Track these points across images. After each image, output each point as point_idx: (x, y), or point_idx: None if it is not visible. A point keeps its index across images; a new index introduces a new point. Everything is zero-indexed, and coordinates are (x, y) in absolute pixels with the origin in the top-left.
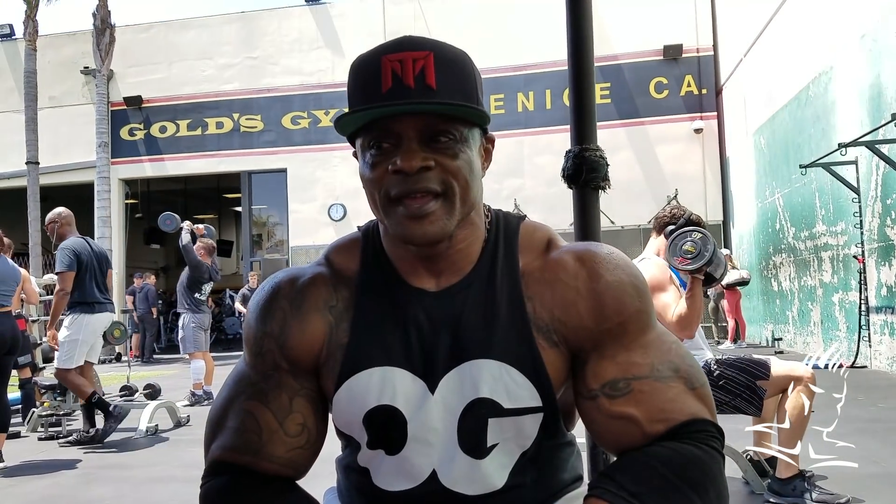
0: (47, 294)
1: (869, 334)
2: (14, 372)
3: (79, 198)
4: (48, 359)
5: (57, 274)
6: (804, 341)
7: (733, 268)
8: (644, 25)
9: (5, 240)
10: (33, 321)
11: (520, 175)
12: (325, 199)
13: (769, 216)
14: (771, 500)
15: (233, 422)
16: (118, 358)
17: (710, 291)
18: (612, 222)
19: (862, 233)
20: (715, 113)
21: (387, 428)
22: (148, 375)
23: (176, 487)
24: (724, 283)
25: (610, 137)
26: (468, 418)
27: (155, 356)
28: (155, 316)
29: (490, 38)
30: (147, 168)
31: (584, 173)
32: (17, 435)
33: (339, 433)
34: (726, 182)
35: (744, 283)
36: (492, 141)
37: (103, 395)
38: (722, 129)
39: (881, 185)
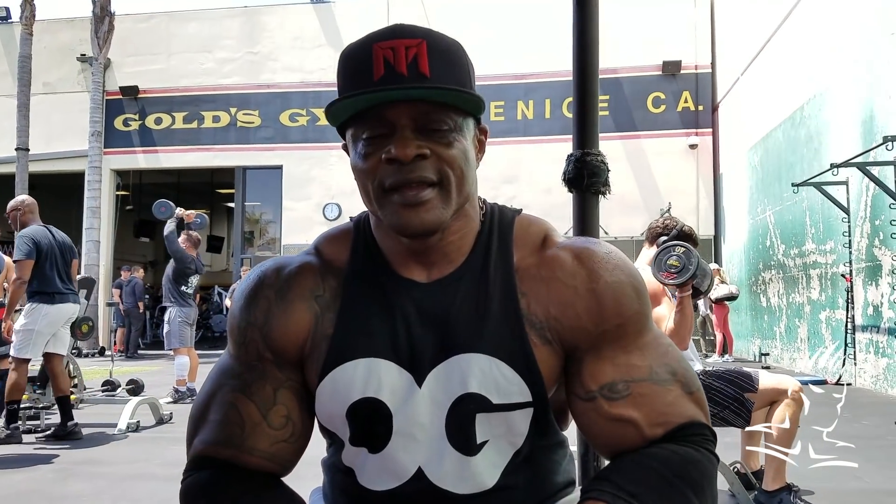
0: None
1: (854, 352)
2: None
3: (69, 187)
4: None
5: (15, 262)
6: (791, 357)
7: (722, 282)
8: (644, 41)
9: None
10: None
11: (517, 182)
12: (320, 198)
13: (760, 233)
14: None
15: (215, 415)
16: (101, 352)
17: (701, 305)
18: (606, 233)
19: (850, 252)
20: (710, 129)
21: (371, 422)
22: (131, 371)
23: (155, 485)
24: (712, 297)
25: (606, 150)
26: (456, 413)
27: (139, 351)
28: (141, 310)
29: (493, 45)
30: (140, 160)
31: (586, 178)
32: None
33: (323, 429)
34: (719, 198)
35: (732, 297)
36: (485, 132)
37: (71, 392)
38: (716, 146)
39: (870, 206)
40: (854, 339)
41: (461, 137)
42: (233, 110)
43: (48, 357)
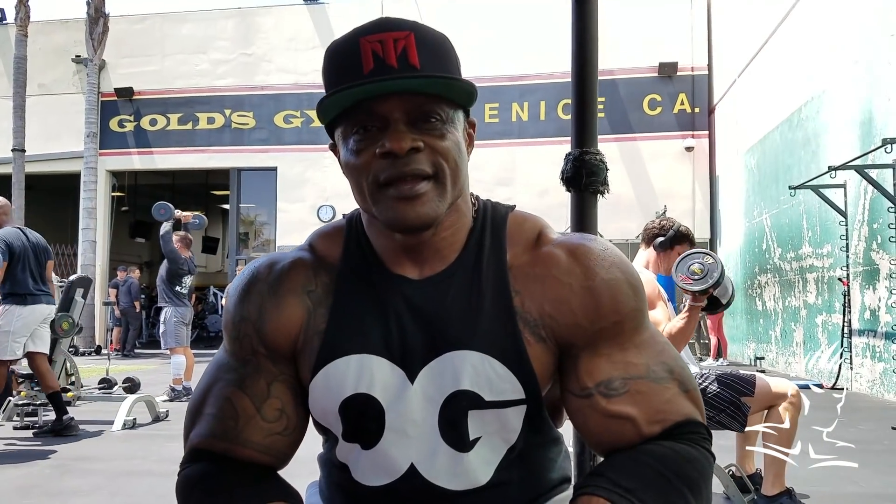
0: None
1: (850, 357)
2: None
3: (64, 188)
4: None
5: None
6: (786, 361)
7: None
8: (641, 42)
9: None
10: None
11: (511, 185)
12: (314, 200)
13: (756, 236)
14: None
15: (210, 408)
16: (98, 351)
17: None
18: (602, 235)
19: (847, 256)
20: (707, 132)
21: (363, 418)
22: (127, 369)
23: (152, 481)
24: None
25: (602, 151)
26: (449, 410)
27: (136, 350)
28: (138, 310)
29: (488, 46)
30: (135, 161)
31: (584, 177)
32: None
33: (318, 425)
34: (715, 200)
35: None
36: (473, 125)
37: (68, 389)
38: (713, 148)
39: (868, 210)
40: (850, 343)
41: (453, 129)
42: (227, 112)
43: (31, 356)
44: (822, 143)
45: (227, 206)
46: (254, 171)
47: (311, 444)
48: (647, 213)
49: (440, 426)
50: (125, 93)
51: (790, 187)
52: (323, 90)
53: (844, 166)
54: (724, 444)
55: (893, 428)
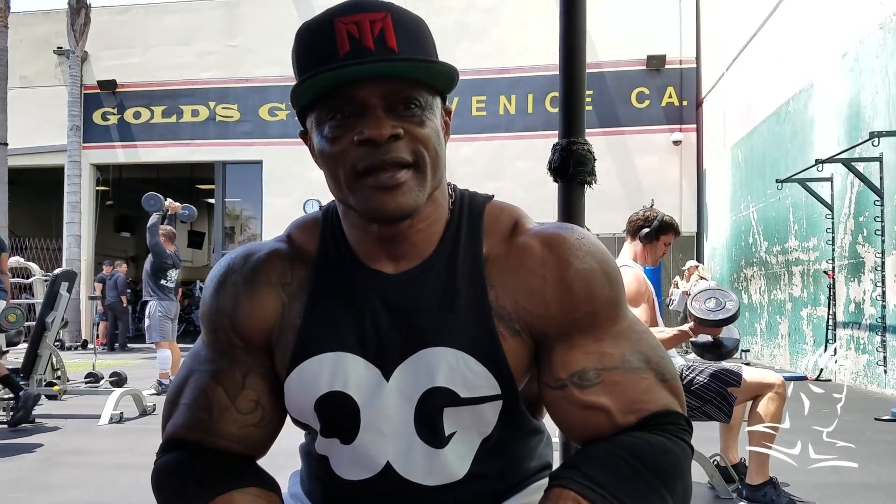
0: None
1: (835, 348)
2: None
3: (48, 182)
4: (11, 343)
5: None
6: (771, 353)
7: (702, 278)
8: (629, 35)
9: None
10: None
11: (499, 178)
12: (300, 194)
13: (742, 229)
14: None
15: (186, 399)
16: (84, 345)
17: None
18: (589, 229)
19: (833, 249)
20: (694, 125)
21: (339, 415)
22: (114, 364)
23: (138, 474)
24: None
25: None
26: (424, 407)
27: (127, 345)
28: (125, 305)
29: (475, 40)
30: (119, 154)
31: (571, 167)
32: None
33: (295, 421)
34: (702, 194)
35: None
36: (449, 113)
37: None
38: (700, 142)
39: (854, 203)
40: (835, 335)
41: (432, 116)
42: (212, 104)
43: None
44: (810, 136)
45: (212, 201)
46: (239, 164)
47: (298, 437)
48: (633, 207)
49: (415, 424)
50: (108, 85)
51: (777, 181)
52: None
53: (831, 159)
54: (708, 435)
55: (877, 419)
